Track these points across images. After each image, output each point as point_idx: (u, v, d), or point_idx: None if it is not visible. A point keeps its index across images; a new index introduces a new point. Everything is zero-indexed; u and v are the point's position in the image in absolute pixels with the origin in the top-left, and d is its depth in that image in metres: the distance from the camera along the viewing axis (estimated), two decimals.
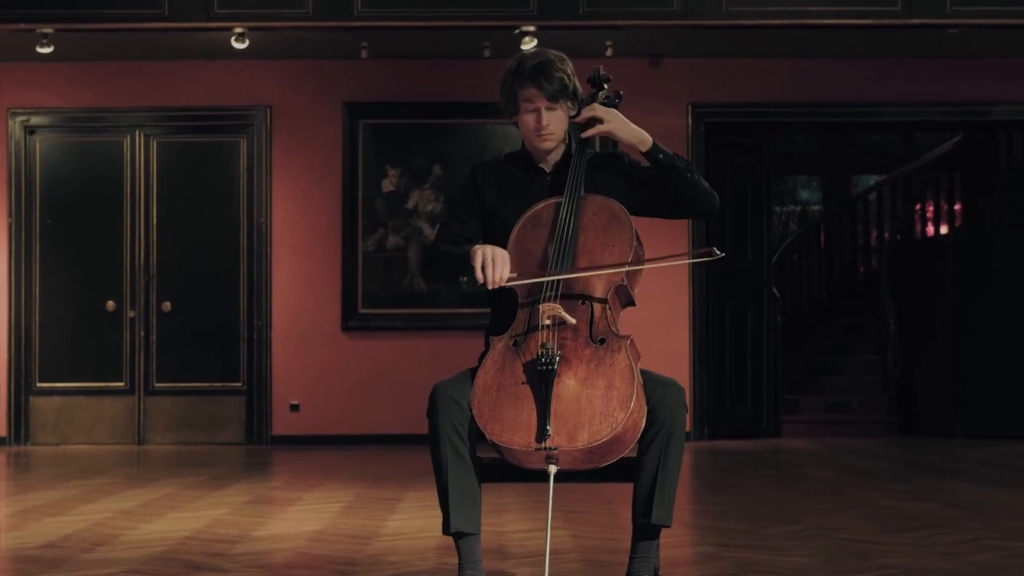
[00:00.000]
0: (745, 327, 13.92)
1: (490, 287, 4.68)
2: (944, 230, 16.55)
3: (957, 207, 16.68)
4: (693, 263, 4.58)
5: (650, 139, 4.84)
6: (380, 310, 12.99)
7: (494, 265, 4.67)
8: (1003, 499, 8.41)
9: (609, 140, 4.94)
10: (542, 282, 4.67)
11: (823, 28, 11.90)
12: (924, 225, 16.99)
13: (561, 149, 4.99)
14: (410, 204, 13.04)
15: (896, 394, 14.66)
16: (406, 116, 13.14)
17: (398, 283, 12.99)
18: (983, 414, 13.45)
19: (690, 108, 13.20)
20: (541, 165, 5.00)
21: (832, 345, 15.86)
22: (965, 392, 13.53)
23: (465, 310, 12.74)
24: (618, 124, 4.86)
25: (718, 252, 4.68)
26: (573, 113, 4.95)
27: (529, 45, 11.33)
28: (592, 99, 5.03)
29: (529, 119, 4.90)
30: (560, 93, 4.86)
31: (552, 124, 4.88)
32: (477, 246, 4.73)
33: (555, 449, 4.42)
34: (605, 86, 5.08)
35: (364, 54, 12.50)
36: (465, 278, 4.76)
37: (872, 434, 14.00)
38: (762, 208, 14.07)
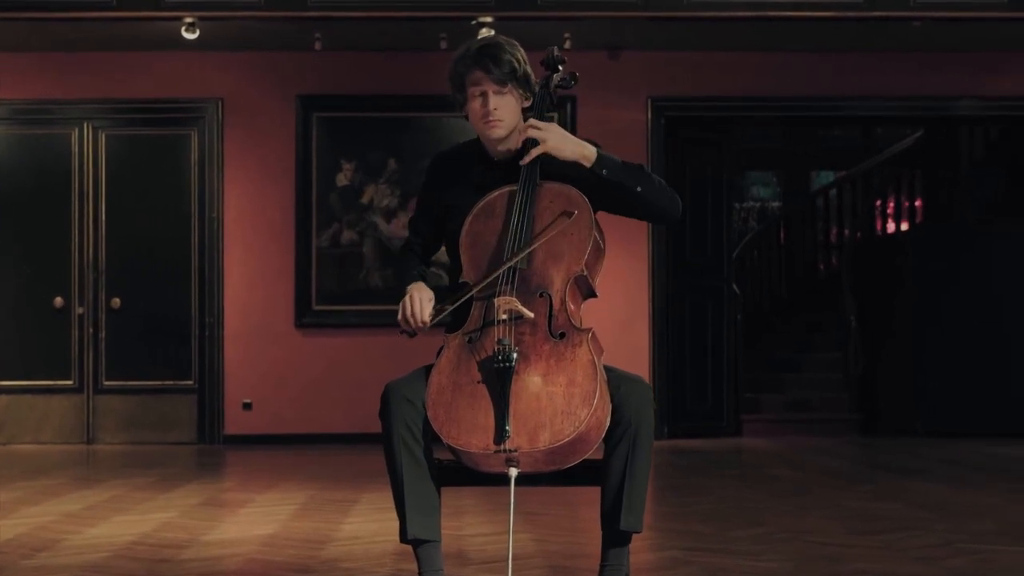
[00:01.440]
0: (705, 324, 13.74)
1: (419, 332, 4.50)
2: (905, 226, 16.42)
3: (918, 203, 16.57)
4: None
5: (594, 153, 4.51)
6: (334, 307, 12.77)
7: (412, 314, 4.48)
8: (969, 500, 8.25)
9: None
10: (496, 276, 4.43)
11: (785, 21, 11.71)
12: (885, 221, 16.85)
13: (515, 140, 4.69)
14: (365, 199, 12.81)
15: (857, 392, 14.53)
16: (361, 109, 12.90)
17: (353, 279, 12.77)
18: (944, 412, 13.33)
19: (649, 102, 13.02)
20: (494, 156, 4.73)
21: (793, 342, 15.73)
22: (926, 389, 13.40)
23: None
24: (556, 142, 4.51)
25: (571, 213, 4.47)
26: (527, 104, 4.70)
27: (484, 36, 11.10)
28: (546, 82, 4.78)
29: (476, 104, 4.63)
30: (509, 76, 4.59)
31: (501, 110, 4.61)
32: (407, 291, 4.56)
33: (515, 451, 4.19)
34: (560, 68, 4.83)
35: (318, 46, 12.26)
36: (401, 333, 4.58)
37: (833, 432, 13.85)
38: (722, 204, 13.88)
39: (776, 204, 21.20)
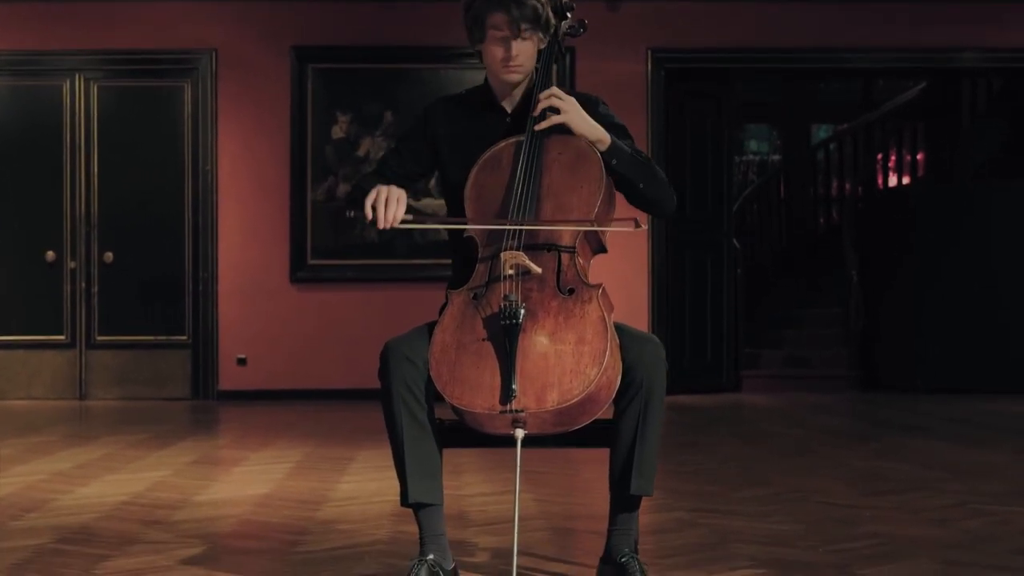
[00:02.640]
0: (705, 279, 13.56)
1: (381, 226, 4.22)
2: (906, 180, 16.25)
3: (920, 157, 16.39)
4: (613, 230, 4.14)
5: (608, 141, 4.36)
6: (330, 261, 12.61)
7: (387, 204, 4.22)
8: (976, 459, 8.10)
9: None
10: (501, 229, 4.25)
11: None
12: (886, 175, 16.68)
13: (524, 85, 4.55)
14: (361, 152, 12.63)
15: (857, 348, 14.38)
16: (356, 60, 12.71)
17: (349, 233, 12.58)
18: (944, 368, 13.18)
19: (649, 53, 12.83)
20: (503, 103, 4.56)
21: (792, 298, 15.56)
22: (927, 346, 13.25)
23: (419, 261, 12.41)
24: (575, 117, 4.36)
25: (640, 224, 4.23)
26: (543, 46, 4.52)
27: None
28: (555, 30, 4.60)
29: (497, 49, 4.43)
30: (533, 21, 4.40)
31: (522, 55, 4.43)
32: (376, 186, 4.30)
33: (522, 412, 4.01)
34: (568, 15, 4.67)
35: None
36: (351, 213, 4.33)
37: (833, 389, 13.72)
38: (722, 157, 13.68)
39: (776, 158, 21.00)
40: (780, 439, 9.33)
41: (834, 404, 12.25)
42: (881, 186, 16.51)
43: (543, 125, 4.38)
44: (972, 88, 15.76)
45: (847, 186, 16.73)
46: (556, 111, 4.36)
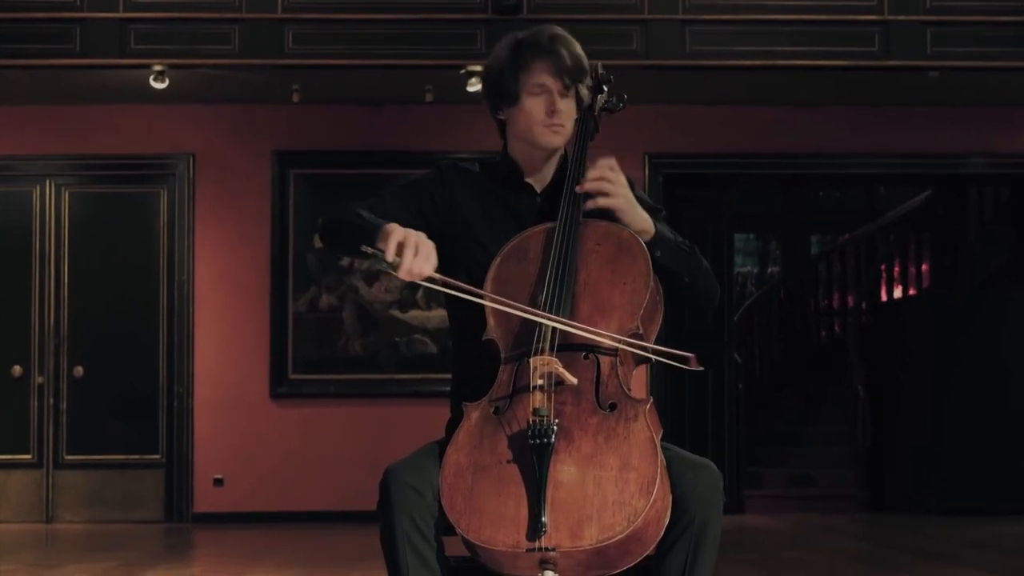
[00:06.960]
0: (705, 395, 12.98)
1: (403, 276, 3.44)
2: (912, 292, 15.76)
3: (924, 267, 15.91)
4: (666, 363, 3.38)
5: (652, 231, 3.73)
6: (312, 375, 12.09)
7: (417, 251, 3.45)
8: None
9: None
10: (531, 330, 3.58)
11: (796, 70, 11.01)
12: (891, 287, 16.17)
13: (556, 162, 3.93)
14: (345, 261, 12.13)
15: (864, 466, 13.77)
16: (340, 166, 12.25)
17: (332, 346, 12.08)
18: (958, 488, 12.55)
19: (646, 158, 12.37)
20: (529, 180, 3.93)
21: (795, 414, 15.01)
22: (940, 465, 12.61)
23: (407, 376, 11.87)
24: (624, 203, 3.71)
25: (696, 365, 3.67)
26: (585, 106, 3.88)
27: (475, 87, 10.44)
28: (590, 105, 3.97)
29: (537, 105, 3.79)
30: (580, 74, 3.81)
31: (565, 114, 3.81)
32: (393, 228, 3.51)
33: (553, 550, 3.31)
34: (605, 88, 4.05)
35: (296, 97, 11.56)
36: (370, 250, 3.54)
37: (839, 509, 13.14)
38: (722, 266, 13.15)
39: (774, 269, 20.55)
40: (802, 567, 8.70)
41: (845, 526, 11.70)
42: (885, 297, 15.99)
43: (590, 205, 3.73)
44: (979, 195, 15.30)
45: (850, 298, 16.22)
46: (604, 192, 3.72)
